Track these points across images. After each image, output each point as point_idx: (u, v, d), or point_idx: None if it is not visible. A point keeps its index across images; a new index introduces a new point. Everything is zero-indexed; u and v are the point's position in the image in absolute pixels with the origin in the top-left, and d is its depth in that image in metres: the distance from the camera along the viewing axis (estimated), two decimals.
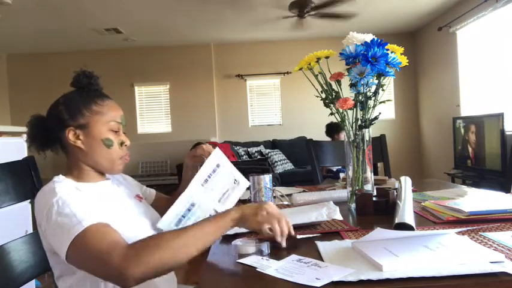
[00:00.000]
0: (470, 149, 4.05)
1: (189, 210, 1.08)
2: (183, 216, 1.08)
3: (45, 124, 1.08)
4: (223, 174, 1.10)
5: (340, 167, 3.51)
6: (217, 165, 1.06)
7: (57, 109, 1.07)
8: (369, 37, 1.20)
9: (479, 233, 0.89)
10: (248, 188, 1.40)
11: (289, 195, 1.49)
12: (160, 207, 1.29)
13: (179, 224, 1.09)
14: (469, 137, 4.05)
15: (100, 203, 1.01)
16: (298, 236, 0.92)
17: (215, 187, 1.10)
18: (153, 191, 1.32)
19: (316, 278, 0.67)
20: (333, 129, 4.32)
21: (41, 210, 0.94)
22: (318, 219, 1.03)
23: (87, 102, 1.06)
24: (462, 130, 4.21)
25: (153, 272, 0.82)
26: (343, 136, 4.33)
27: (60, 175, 1.03)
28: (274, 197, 1.45)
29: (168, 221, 1.06)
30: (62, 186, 0.97)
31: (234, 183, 1.13)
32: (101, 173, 1.10)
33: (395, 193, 1.18)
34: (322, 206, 1.16)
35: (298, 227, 1.02)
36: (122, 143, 1.09)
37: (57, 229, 0.89)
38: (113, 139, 1.07)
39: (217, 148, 1.07)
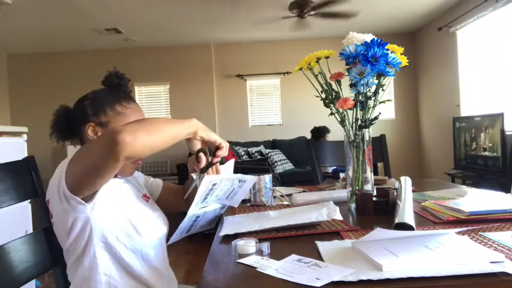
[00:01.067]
0: (470, 149, 4.05)
1: (195, 221, 1.08)
2: (191, 226, 1.09)
3: (69, 116, 1.11)
4: (223, 186, 1.08)
5: (335, 166, 3.55)
6: (213, 185, 1.04)
7: (83, 103, 1.09)
8: (369, 37, 1.20)
9: (479, 233, 0.89)
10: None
11: (289, 195, 1.49)
12: (169, 196, 1.33)
13: (189, 232, 1.11)
14: (469, 137, 4.05)
15: (111, 199, 1.03)
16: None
17: (219, 193, 1.09)
18: (159, 182, 1.34)
19: (316, 278, 0.67)
20: (319, 134, 4.69)
21: (52, 187, 0.99)
22: (318, 219, 1.03)
23: (113, 102, 1.09)
24: (462, 130, 4.21)
25: (140, 143, 0.86)
26: (328, 139, 4.37)
27: None
28: (274, 196, 1.45)
29: (176, 238, 1.07)
30: None
31: (239, 182, 1.13)
32: None
33: (395, 193, 1.18)
34: (322, 206, 1.16)
35: (298, 227, 1.02)
36: None
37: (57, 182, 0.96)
38: None
39: (206, 176, 1.02)
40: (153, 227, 1.09)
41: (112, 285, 1.01)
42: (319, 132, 4.72)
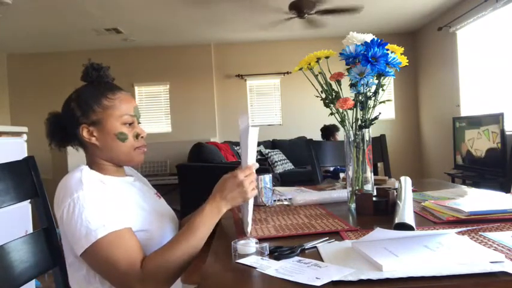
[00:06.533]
0: (470, 149, 4.05)
1: None
2: None
3: (61, 121, 1.08)
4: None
5: (337, 166, 3.56)
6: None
7: (70, 106, 1.06)
8: (369, 37, 1.20)
9: (479, 233, 0.89)
10: None
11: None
12: None
13: None
14: (469, 137, 4.05)
15: (124, 200, 1.02)
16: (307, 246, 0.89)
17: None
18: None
19: (316, 278, 0.67)
20: (329, 132, 4.72)
21: (63, 197, 0.94)
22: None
23: (98, 98, 1.05)
24: (462, 130, 4.21)
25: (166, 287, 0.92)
26: (338, 137, 4.37)
27: (86, 166, 1.04)
28: (274, 200, 1.44)
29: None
30: (88, 178, 0.97)
31: None
32: (120, 166, 1.11)
33: (395, 193, 1.17)
34: None
35: (298, 227, 1.02)
36: (137, 135, 1.09)
37: (78, 225, 0.90)
38: (127, 132, 1.06)
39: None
40: (167, 222, 1.11)
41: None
42: (329, 130, 4.78)
